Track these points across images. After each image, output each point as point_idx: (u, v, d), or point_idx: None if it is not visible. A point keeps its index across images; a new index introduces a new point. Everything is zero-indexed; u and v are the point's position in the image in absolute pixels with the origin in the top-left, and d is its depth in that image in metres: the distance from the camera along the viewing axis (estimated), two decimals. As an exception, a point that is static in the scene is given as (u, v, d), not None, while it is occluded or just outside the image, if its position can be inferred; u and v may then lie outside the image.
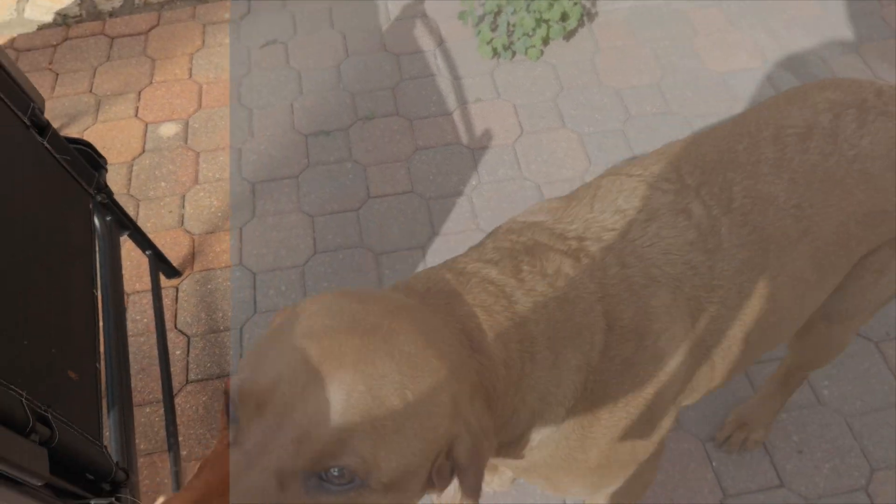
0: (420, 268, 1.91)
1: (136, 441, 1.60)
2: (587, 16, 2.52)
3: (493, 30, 2.42)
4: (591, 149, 2.17)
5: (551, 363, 0.79)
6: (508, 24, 2.41)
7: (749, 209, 0.89)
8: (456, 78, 2.35)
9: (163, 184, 2.10)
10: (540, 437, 0.83)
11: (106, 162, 1.52)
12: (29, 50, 2.48)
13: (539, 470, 0.91)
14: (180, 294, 1.88)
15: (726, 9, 2.54)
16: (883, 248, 1.05)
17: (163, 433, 1.66)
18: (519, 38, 2.36)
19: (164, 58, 2.45)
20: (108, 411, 1.28)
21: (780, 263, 0.91)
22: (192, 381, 1.73)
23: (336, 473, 0.58)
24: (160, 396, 1.72)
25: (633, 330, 0.82)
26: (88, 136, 2.21)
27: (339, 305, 0.65)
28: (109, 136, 2.22)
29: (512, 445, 0.83)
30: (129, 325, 1.82)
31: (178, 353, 1.78)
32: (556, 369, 0.79)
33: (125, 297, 1.83)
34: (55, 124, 1.79)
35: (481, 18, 2.46)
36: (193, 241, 1.98)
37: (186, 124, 2.25)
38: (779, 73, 2.34)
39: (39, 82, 2.36)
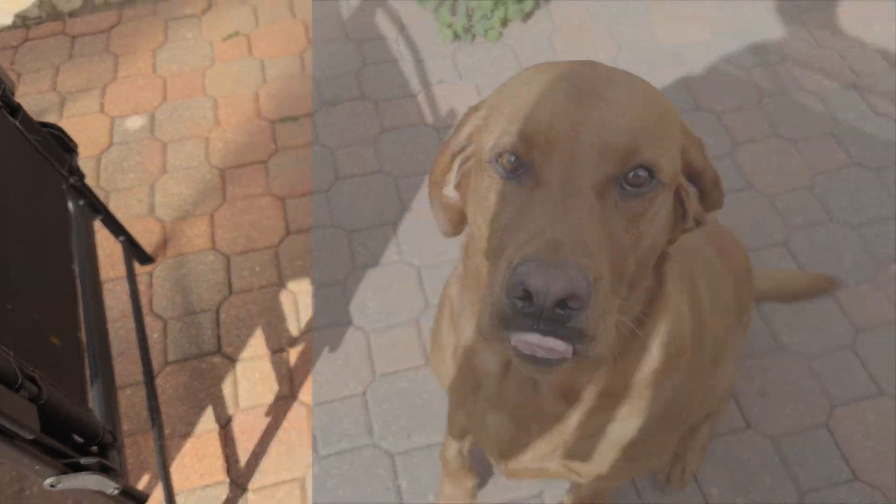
0: (392, 244, 1.96)
1: (120, 420, 1.62)
2: (543, -2, 2.59)
3: (453, 13, 2.48)
4: (553, 124, 2.23)
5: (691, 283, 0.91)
6: (467, 7, 2.46)
7: None
8: (418, 61, 2.40)
9: (131, 175, 2.12)
10: (658, 354, 0.83)
11: (76, 146, 1.54)
12: (-11, 51, 2.47)
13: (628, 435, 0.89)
14: (154, 279, 1.90)
15: (676, -14, 2.63)
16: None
17: (144, 414, 1.68)
18: (478, 21, 2.42)
19: (127, 54, 2.46)
20: (91, 383, 1.31)
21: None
22: (170, 363, 1.75)
23: (635, 175, 0.62)
24: (140, 378, 1.74)
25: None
26: (54, 132, 2.22)
27: (545, 67, 0.69)
28: (75, 131, 2.23)
29: (631, 352, 0.81)
30: (107, 312, 1.84)
31: (155, 336, 1.80)
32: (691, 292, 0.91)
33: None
34: (22, 115, 1.80)
35: (440, 3, 2.52)
36: (165, 228, 2.00)
37: (153, 117, 2.27)
38: (728, 43, 2.43)
39: (1, 82, 2.36)
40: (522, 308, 0.56)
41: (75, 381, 1.17)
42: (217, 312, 1.84)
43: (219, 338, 1.79)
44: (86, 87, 2.36)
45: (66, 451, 1.06)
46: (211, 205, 2.04)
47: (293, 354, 1.77)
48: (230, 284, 1.88)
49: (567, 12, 2.55)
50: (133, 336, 1.80)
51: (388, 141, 2.19)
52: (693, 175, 0.71)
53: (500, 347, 0.66)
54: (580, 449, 0.91)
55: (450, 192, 0.79)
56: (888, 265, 1.90)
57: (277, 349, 1.78)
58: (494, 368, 0.85)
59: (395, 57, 2.42)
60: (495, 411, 0.90)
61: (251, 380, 1.73)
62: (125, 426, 1.67)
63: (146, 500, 1.26)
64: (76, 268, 1.38)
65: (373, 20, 2.53)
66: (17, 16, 2.56)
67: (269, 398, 1.70)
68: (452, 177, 0.78)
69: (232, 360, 1.76)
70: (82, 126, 2.24)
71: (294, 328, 1.81)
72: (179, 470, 1.60)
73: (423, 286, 1.88)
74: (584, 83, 0.64)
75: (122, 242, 1.77)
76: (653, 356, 0.82)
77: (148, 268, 1.92)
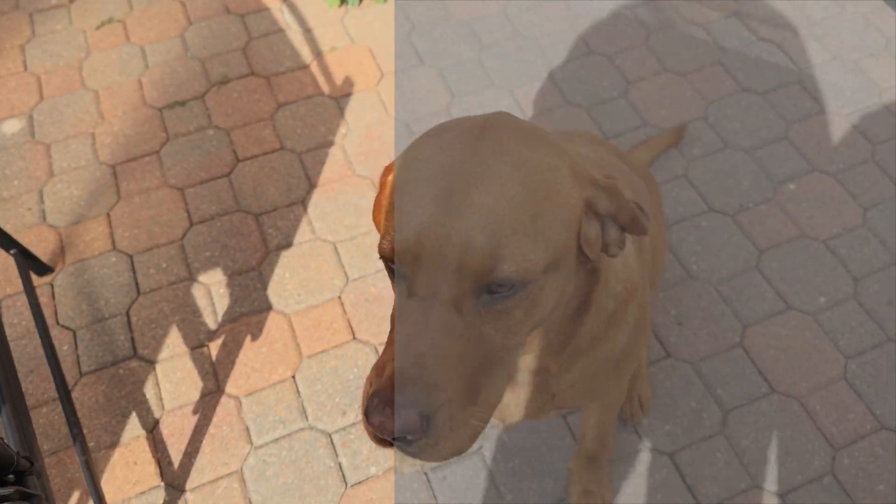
0: (303, 222, 1.92)
1: (39, 442, 1.54)
2: (426, -48, 2.53)
3: (336, -23, 2.40)
4: (452, 82, 2.21)
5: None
6: (350, -31, 2.39)
7: None
8: (307, 30, 2.33)
9: (16, 182, 1.99)
10: (610, 304, 0.88)
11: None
12: None
13: (597, 363, 0.96)
14: (56, 290, 1.80)
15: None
16: None
17: (65, 430, 1.61)
18: (363, -17, 2.35)
19: (-8, 52, 2.29)
20: (0, 411, 1.24)
21: None
22: (86, 374, 1.68)
23: (500, 284, 0.64)
24: (55, 395, 1.66)
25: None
26: (-79, 146, 2.06)
27: (437, 141, 0.69)
28: (-55, 142, 2.07)
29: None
30: (8, 330, 1.74)
31: (65, 348, 1.72)
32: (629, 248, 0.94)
33: (-4, 302, 1.74)
34: None
35: (322, -32, 2.43)
36: (60, 234, 1.89)
37: (30, 118, 2.13)
38: (614, -16, 2.45)
39: None
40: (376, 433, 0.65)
41: (-23, 412, 1.10)
42: (127, 316, 1.76)
43: (133, 341, 1.73)
44: (-50, 94, 2.19)
45: (-24, 487, 1.00)
46: (106, 204, 1.94)
47: (214, 348, 1.72)
48: (137, 285, 1.81)
49: (453, -35, 2.51)
50: (41, 352, 1.71)
51: (285, 116, 2.12)
52: (608, 216, 0.73)
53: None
54: (568, 394, 0.97)
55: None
56: (784, 184, 1.98)
57: (196, 345, 1.72)
58: None
59: (281, 27, 2.33)
60: None
61: (173, 380, 1.68)
62: (46, 445, 1.60)
63: (76, 520, 1.22)
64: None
65: (254, -8, 2.43)
66: None
67: (195, 395, 1.66)
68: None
69: (150, 363, 1.70)
70: (-48, 136, 2.09)
71: (211, 321, 1.76)
72: (111, 482, 1.55)
73: (341, 261, 1.86)
74: (456, 181, 0.65)
75: (14, 255, 1.66)
76: (605, 306, 0.87)
77: (47, 278, 1.82)
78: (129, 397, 1.65)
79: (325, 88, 2.18)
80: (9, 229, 1.89)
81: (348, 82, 2.20)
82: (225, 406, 1.64)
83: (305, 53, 2.27)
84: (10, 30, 2.35)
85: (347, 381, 1.67)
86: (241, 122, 2.10)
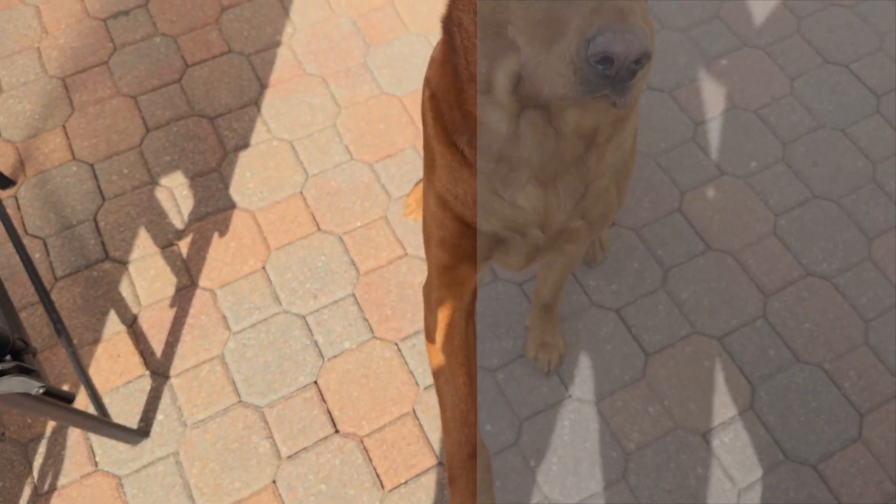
0: (258, 122, 1.96)
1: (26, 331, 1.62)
2: None
3: None
4: (394, -23, 2.23)
5: None
6: None
7: None
8: (244, -67, 2.30)
9: (-36, 100, 1.99)
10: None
11: None
12: None
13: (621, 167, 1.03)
14: (21, 202, 1.84)
15: None
16: None
17: (47, 330, 1.68)
18: None
19: (-81, -30, 2.23)
20: (-15, 302, 1.30)
21: None
22: (61, 278, 1.74)
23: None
24: (35, 299, 1.72)
25: None
26: None
27: None
28: None
29: None
30: (-23, 243, 1.78)
31: (37, 256, 1.77)
32: None
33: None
34: None
35: None
36: (17, 148, 1.91)
37: (-31, 35, 2.10)
38: None
39: None
40: (604, 70, 0.66)
41: (-31, 298, 1.17)
42: (95, 221, 1.81)
43: (103, 244, 1.79)
44: None
45: (-21, 360, 1.08)
46: (60, 116, 1.96)
47: (184, 246, 1.79)
48: (101, 192, 1.85)
49: None
50: (14, 260, 1.77)
51: (230, 19, 2.13)
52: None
53: (576, 102, 0.74)
54: (592, 203, 1.04)
55: None
56: (717, 60, 2.09)
57: (166, 244, 1.79)
58: (501, 129, 0.91)
59: (219, -69, 2.30)
60: (524, 189, 0.98)
61: (147, 277, 1.75)
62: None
63: (73, 398, 1.31)
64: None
65: None
66: None
67: (171, 291, 1.74)
68: None
69: (123, 263, 1.76)
70: None
71: (178, 221, 1.82)
72: (98, 374, 1.64)
73: (299, 158, 1.92)
74: None
75: (-26, 168, 1.69)
76: None
77: (10, 191, 1.85)
78: (105, 297, 1.73)
79: (269, -10, 2.19)
80: (-36, 147, 1.91)
81: (291, -17, 2.21)
82: (200, 298, 1.73)
83: (245, -44, 2.25)
84: (-65, -54, 2.28)
85: (316, 268, 1.77)
86: (187, 28, 2.11)
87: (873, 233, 1.83)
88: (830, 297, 1.75)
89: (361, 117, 1.98)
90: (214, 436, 1.58)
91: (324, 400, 1.62)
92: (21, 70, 2.03)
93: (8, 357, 1.19)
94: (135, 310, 1.71)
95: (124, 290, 1.74)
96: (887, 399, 1.63)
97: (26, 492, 1.52)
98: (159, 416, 1.60)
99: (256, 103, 2.00)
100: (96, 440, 1.57)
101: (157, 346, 1.67)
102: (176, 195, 1.86)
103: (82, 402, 1.62)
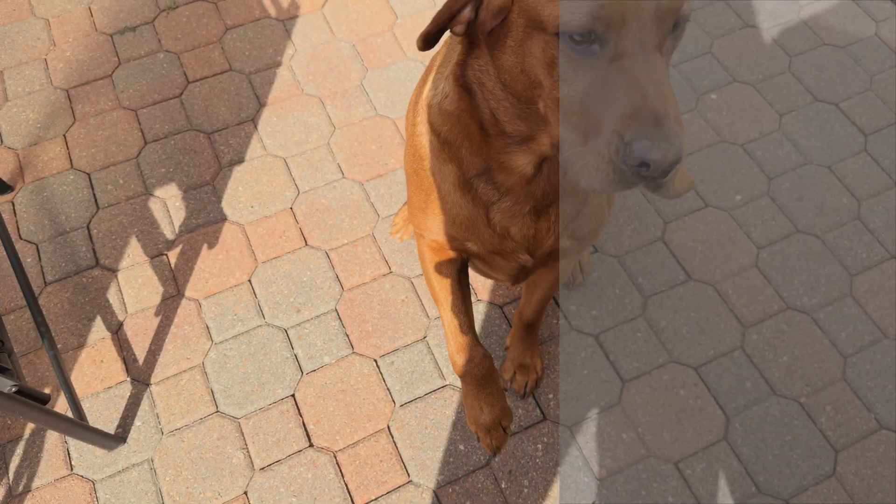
0: (254, 139, 2.01)
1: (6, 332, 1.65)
2: None
3: None
4: (395, 3, 2.28)
5: None
6: None
7: None
8: (252, -44, 2.37)
9: (-30, 107, 2.04)
10: None
11: None
12: None
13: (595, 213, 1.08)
14: (18, 207, 1.88)
15: None
16: None
17: (32, 334, 1.71)
18: None
19: (-63, -18, 2.31)
20: (-32, 301, 1.33)
21: None
22: (50, 283, 1.78)
23: (682, 18, 0.72)
24: (22, 303, 1.76)
25: None
26: None
27: None
28: None
29: None
30: (-28, 246, 1.82)
31: (28, 260, 1.81)
32: None
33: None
34: None
35: None
36: (18, 155, 1.96)
37: (-20, 46, 2.17)
38: None
39: None
40: (639, 171, 0.70)
41: (-50, 295, 1.20)
42: (88, 229, 1.85)
43: (94, 252, 1.82)
44: None
45: (-46, 355, 1.11)
46: (62, 126, 2.01)
47: (172, 257, 1.82)
48: (96, 200, 1.89)
49: None
50: (6, 265, 1.80)
51: (233, 39, 2.19)
52: None
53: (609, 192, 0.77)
54: (584, 221, 1.08)
55: (459, 28, 0.85)
56: (707, 95, 2.12)
57: (156, 254, 1.83)
58: (529, 171, 0.95)
59: (228, -46, 2.37)
60: (516, 218, 1.03)
61: (135, 286, 1.78)
62: (16, 349, 1.70)
63: (48, 399, 1.33)
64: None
65: (198, -82, 2.46)
66: None
67: (157, 300, 1.77)
68: (466, 13, 0.84)
69: (112, 271, 1.80)
70: None
71: (169, 232, 1.86)
72: (80, 378, 1.67)
73: (292, 175, 1.96)
74: None
75: (-27, 173, 1.74)
76: None
77: (7, 197, 1.89)
78: (93, 303, 1.76)
79: (272, 11, 2.25)
80: (-33, 152, 1.96)
81: (294, 5, 2.26)
82: (185, 308, 1.76)
83: (252, -22, 2.32)
84: (-46, -40, 2.36)
85: (301, 283, 1.80)
86: (191, 46, 2.17)
87: (855, 269, 1.84)
88: (810, 332, 1.75)
89: (355, 137, 2.02)
90: (190, 444, 1.60)
91: (300, 413, 1.64)
92: (27, 80, 2.09)
93: (-15, 354, 1.22)
94: (121, 317, 1.74)
95: (112, 297, 1.77)
96: (863, 436, 1.63)
97: (0, 492, 1.54)
98: (137, 423, 1.62)
99: (253, 120, 2.04)
100: (74, 444, 1.59)
101: (140, 354, 1.70)
102: (169, 206, 1.89)
103: (63, 405, 1.64)
